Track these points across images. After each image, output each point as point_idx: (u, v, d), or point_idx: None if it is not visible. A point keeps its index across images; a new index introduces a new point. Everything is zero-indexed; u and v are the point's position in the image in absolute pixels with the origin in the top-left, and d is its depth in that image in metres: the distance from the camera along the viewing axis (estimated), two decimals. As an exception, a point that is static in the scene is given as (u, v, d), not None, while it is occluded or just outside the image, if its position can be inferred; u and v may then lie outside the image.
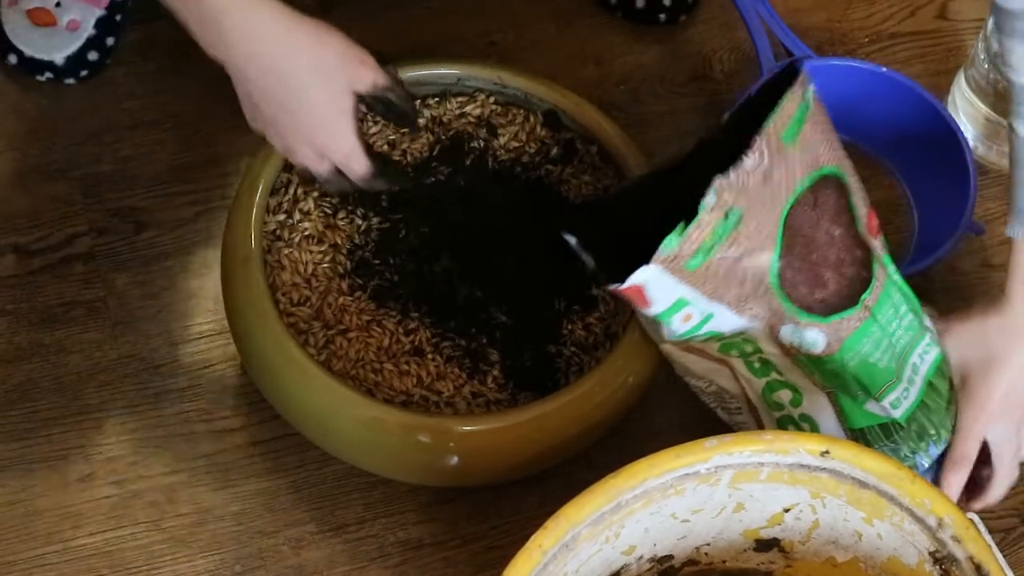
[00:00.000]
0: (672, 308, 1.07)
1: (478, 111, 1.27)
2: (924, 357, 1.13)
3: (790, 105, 1.04)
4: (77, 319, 1.27)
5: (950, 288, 1.33)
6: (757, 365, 1.13)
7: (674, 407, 1.27)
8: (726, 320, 1.08)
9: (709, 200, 1.02)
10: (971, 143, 1.36)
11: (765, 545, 1.09)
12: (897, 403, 1.12)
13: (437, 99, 1.27)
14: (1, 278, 1.28)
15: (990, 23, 1.33)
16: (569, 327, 1.20)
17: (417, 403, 1.15)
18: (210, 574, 1.18)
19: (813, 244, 1.09)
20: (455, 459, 1.12)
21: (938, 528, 0.99)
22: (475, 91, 1.27)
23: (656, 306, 1.06)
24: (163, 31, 1.40)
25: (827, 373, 1.11)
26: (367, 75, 1.11)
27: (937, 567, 1.01)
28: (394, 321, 1.18)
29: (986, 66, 1.33)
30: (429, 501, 1.21)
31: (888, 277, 1.11)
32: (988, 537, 0.99)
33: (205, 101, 1.37)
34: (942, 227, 1.29)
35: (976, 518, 1.01)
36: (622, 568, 1.07)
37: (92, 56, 1.36)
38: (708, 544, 1.09)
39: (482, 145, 1.25)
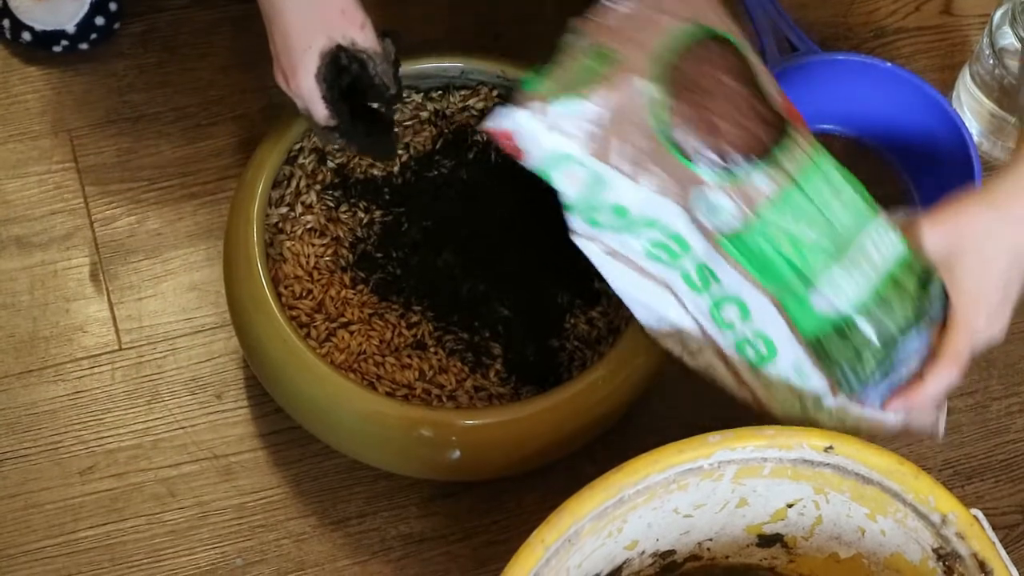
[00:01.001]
0: (553, 162, 1.03)
1: (481, 104, 1.26)
2: (879, 245, 1.04)
3: None
4: (78, 311, 1.27)
5: (954, 284, 1.33)
6: (696, 279, 1.07)
7: (677, 402, 1.26)
8: (624, 190, 1.04)
9: (568, 38, 1.03)
10: (976, 139, 1.35)
11: (768, 541, 1.09)
12: (839, 289, 1.03)
13: (440, 92, 1.27)
14: (3, 271, 1.28)
15: (995, 18, 1.33)
16: (572, 321, 1.19)
17: (419, 397, 1.15)
18: (211, 568, 1.18)
19: (701, 90, 1.05)
20: (457, 453, 1.11)
21: (942, 525, 0.99)
22: (478, 84, 1.26)
23: (535, 157, 1.03)
24: (165, 23, 1.40)
25: (756, 260, 1.04)
26: (343, 27, 1.12)
27: (940, 564, 1.01)
28: (396, 314, 1.18)
29: (991, 62, 1.33)
30: (431, 495, 1.21)
31: (820, 155, 1.05)
32: (992, 534, 0.99)
33: (207, 93, 1.37)
34: (946, 223, 1.28)
35: (980, 515, 1.00)
36: (624, 563, 1.07)
37: (99, 21, 1.36)
38: (711, 539, 1.09)
39: (485, 138, 1.25)
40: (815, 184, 1.04)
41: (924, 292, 1.04)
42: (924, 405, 1.06)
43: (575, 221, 1.06)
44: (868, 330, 1.03)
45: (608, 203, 1.05)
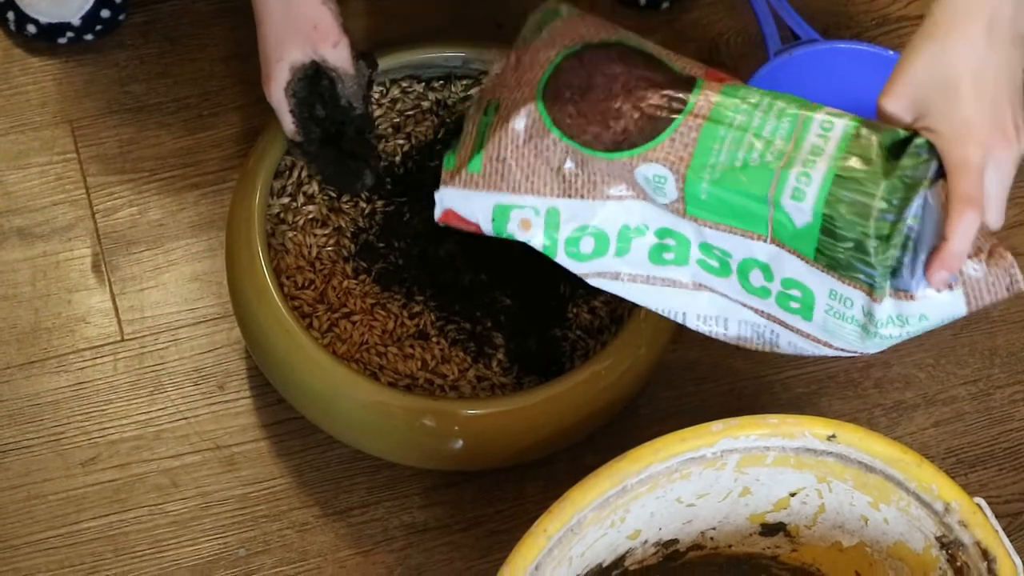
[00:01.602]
0: (498, 217, 1.06)
1: (483, 94, 1.26)
2: (828, 134, 1.01)
3: (532, 19, 1.12)
4: (81, 302, 1.27)
5: (957, 272, 1.33)
6: (712, 262, 1.06)
7: (680, 391, 1.26)
8: (578, 210, 1.05)
9: (470, 112, 1.08)
10: (978, 127, 1.35)
11: (771, 529, 1.09)
12: (801, 192, 1.00)
13: (442, 82, 1.26)
14: (5, 262, 1.28)
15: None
16: (574, 311, 1.19)
17: (421, 387, 1.15)
18: (214, 558, 1.18)
19: (587, 88, 1.06)
20: (460, 443, 1.11)
21: (945, 513, 0.99)
22: (480, 74, 1.26)
23: (484, 222, 1.07)
24: (166, 14, 1.40)
25: (724, 210, 1.02)
26: (315, 42, 1.14)
27: (944, 552, 1.00)
28: (398, 304, 1.18)
29: (994, 49, 1.32)
30: (434, 485, 1.21)
31: (738, 86, 1.04)
32: (995, 522, 0.99)
33: (208, 84, 1.37)
34: (949, 211, 1.28)
35: (983, 503, 1.00)
36: (627, 552, 1.07)
37: (105, 14, 1.36)
38: (714, 528, 1.09)
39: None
40: (733, 110, 1.02)
41: (905, 159, 0.99)
42: (956, 261, 0.98)
43: (567, 264, 1.07)
44: (844, 213, 0.99)
45: (575, 230, 1.06)
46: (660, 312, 1.09)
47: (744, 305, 1.07)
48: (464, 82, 1.27)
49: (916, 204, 0.98)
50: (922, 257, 0.98)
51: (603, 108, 1.05)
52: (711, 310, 1.08)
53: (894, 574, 1.06)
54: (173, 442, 1.22)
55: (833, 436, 0.99)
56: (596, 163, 1.04)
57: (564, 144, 1.05)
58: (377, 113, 1.24)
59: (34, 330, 1.26)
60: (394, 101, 1.25)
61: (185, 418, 1.23)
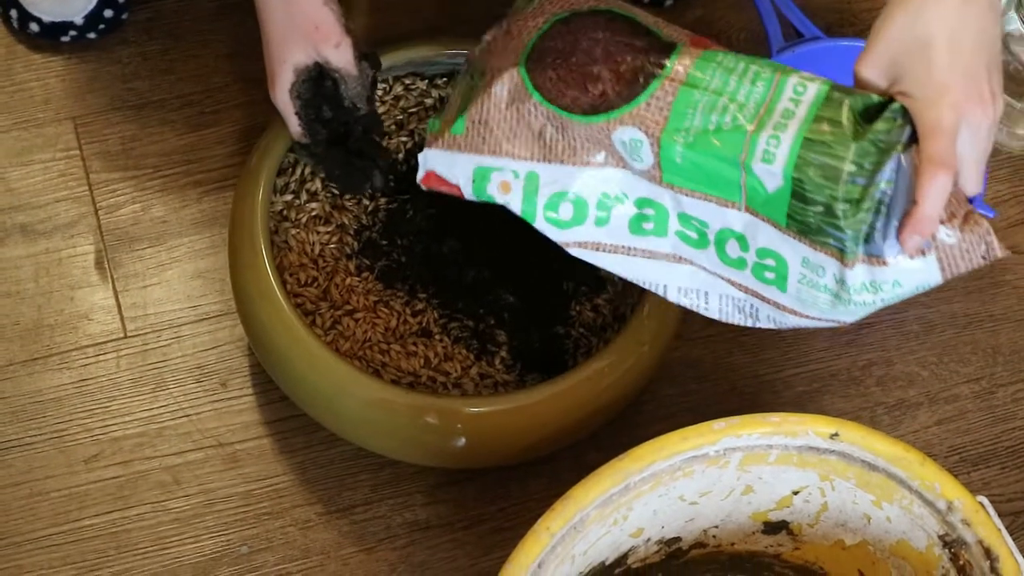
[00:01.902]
0: (478, 179, 1.07)
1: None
2: (800, 96, 1.00)
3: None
4: (83, 299, 1.27)
5: (960, 270, 1.33)
6: (690, 233, 1.05)
7: (682, 389, 1.26)
8: (558, 175, 1.05)
9: (457, 78, 1.10)
10: (982, 124, 1.35)
11: (773, 528, 1.09)
12: (771, 155, 0.98)
13: (445, 79, 1.26)
14: (8, 258, 1.28)
15: (1001, 3, 1.32)
16: (577, 308, 1.19)
17: (424, 384, 1.15)
18: (217, 555, 1.18)
19: (569, 52, 1.06)
20: (462, 440, 1.11)
21: (948, 512, 0.99)
22: (483, 71, 1.26)
23: (464, 184, 1.08)
24: (169, 11, 1.40)
25: (692, 172, 1.01)
26: (316, 43, 1.14)
27: (946, 550, 1.00)
28: (401, 302, 1.18)
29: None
30: (436, 483, 1.21)
31: (708, 50, 1.04)
32: (998, 520, 0.99)
33: (211, 81, 1.37)
34: (952, 209, 1.28)
35: (986, 502, 1.00)
36: (630, 550, 1.07)
37: (108, 13, 1.36)
38: (716, 527, 1.09)
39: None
40: (708, 74, 1.02)
41: (879, 123, 0.97)
42: (928, 225, 0.96)
43: (546, 230, 1.07)
44: (814, 176, 0.98)
45: (553, 195, 1.06)
46: (640, 283, 1.08)
47: (723, 278, 1.06)
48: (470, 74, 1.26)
49: (889, 168, 0.97)
50: (895, 222, 0.97)
51: (582, 72, 1.05)
52: (691, 283, 1.07)
53: (897, 573, 1.06)
54: (176, 439, 1.22)
55: (836, 435, 0.99)
56: (575, 127, 1.04)
57: (544, 108, 1.05)
58: (380, 110, 1.24)
59: (37, 327, 1.26)
60: (397, 98, 1.25)
61: (188, 415, 1.23)
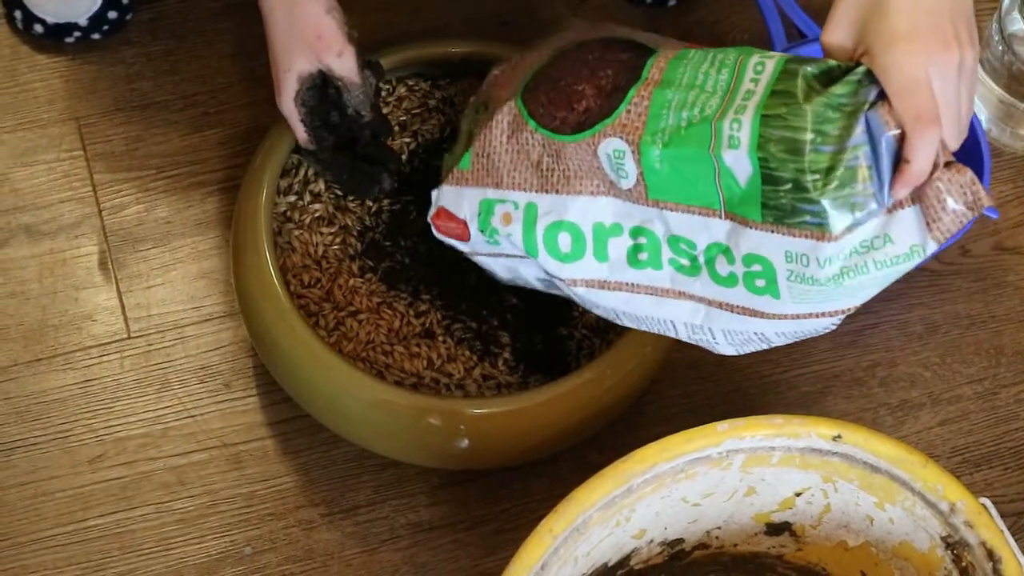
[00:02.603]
0: (483, 212, 1.07)
1: (489, 92, 1.26)
2: (760, 75, 0.98)
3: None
4: (87, 300, 1.27)
5: (963, 271, 1.33)
6: (683, 261, 1.04)
7: (685, 391, 1.26)
8: (553, 204, 1.05)
9: (464, 113, 1.11)
10: (984, 125, 1.35)
11: (776, 529, 1.09)
12: (735, 141, 0.97)
13: (448, 80, 1.27)
14: (12, 259, 1.28)
15: (1004, 3, 1.32)
16: (580, 309, 1.19)
17: (427, 385, 1.15)
18: (220, 556, 1.18)
19: (561, 74, 1.06)
20: (465, 442, 1.12)
21: (950, 513, 0.99)
22: (486, 72, 1.26)
23: (471, 220, 1.08)
24: (173, 12, 1.40)
25: (672, 179, 1.01)
26: (319, 52, 1.15)
27: (949, 552, 1.00)
28: (404, 303, 1.18)
29: (1000, 48, 1.32)
30: (439, 483, 1.21)
31: (682, 49, 1.04)
32: (1000, 522, 0.99)
33: (215, 81, 1.37)
34: (955, 210, 1.28)
35: (988, 503, 1.00)
36: (633, 552, 1.07)
37: (112, 15, 1.37)
38: (719, 528, 1.09)
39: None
40: (681, 71, 1.01)
41: (839, 87, 0.95)
42: (921, 179, 0.94)
43: (549, 265, 1.07)
44: (776, 152, 0.96)
45: (550, 225, 1.06)
46: (651, 327, 1.08)
47: (723, 307, 1.04)
48: (470, 80, 1.27)
49: (859, 131, 0.95)
50: (887, 180, 0.95)
51: (569, 92, 1.05)
52: (695, 318, 1.05)
53: (899, 574, 1.06)
54: (180, 440, 1.22)
55: (839, 436, 0.99)
56: (566, 151, 1.04)
57: (540, 136, 1.05)
58: (385, 111, 1.24)
59: (41, 327, 1.26)
60: (400, 99, 1.26)
61: (192, 416, 1.23)
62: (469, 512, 1.21)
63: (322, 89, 1.15)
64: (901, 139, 0.94)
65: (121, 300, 1.27)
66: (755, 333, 1.04)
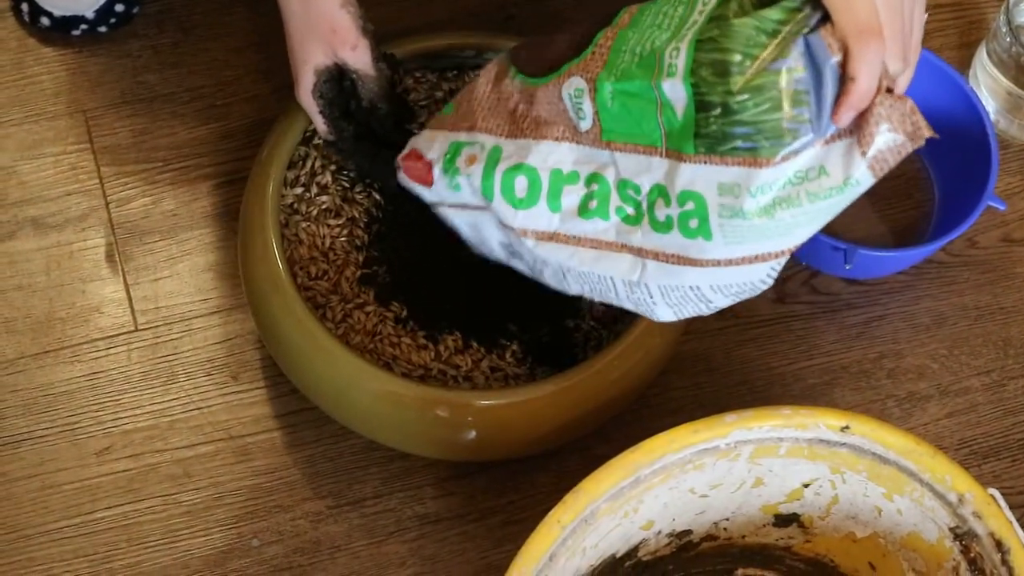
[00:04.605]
0: (451, 152, 1.07)
1: (496, 84, 1.26)
2: (707, 6, 0.95)
3: None
4: (94, 292, 1.27)
5: (971, 263, 1.33)
6: (629, 210, 1.02)
7: (692, 381, 1.26)
8: (518, 148, 1.05)
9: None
10: (992, 117, 1.35)
11: (784, 520, 1.09)
12: (673, 68, 0.96)
13: (455, 72, 1.26)
14: (19, 252, 1.28)
15: (1012, -4, 1.32)
16: (588, 301, 1.19)
17: (435, 377, 1.15)
18: (227, 548, 1.18)
19: (548, 33, 1.07)
20: (473, 433, 1.12)
21: (959, 504, 0.99)
22: (493, 64, 1.26)
23: (437, 160, 1.08)
24: (180, 4, 1.40)
25: (621, 116, 1.00)
26: (334, 46, 1.14)
27: (957, 543, 1.00)
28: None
29: (1008, 39, 1.32)
30: (447, 475, 1.21)
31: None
32: (1009, 513, 0.99)
33: (222, 74, 1.37)
34: (963, 202, 1.28)
35: (997, 494, 1.00)
36: (640, 543, 1.07)
37: (119, 8, 1.37)
38: (727, 519, 1.09)
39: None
40: (646, 15, 0.99)
41: (773, 12, 0.92)
42: (866, 98, 0.90)
43: (503, 212, 1.06)
44: (707, 76, 0.94)
45: (510, 167, 1.05)
46: (595, 290, 1.05)
47: (658, 257, 1.01)
48: (476, 72, 1.26)
49: (794, 54, 0.91)
50: (827, 108, 0.91)
51: (550, 41, 1.06)
52: (633, 274, 1.02)
53: (907, 565, 1.06)
54: (187, 432, 1.22)
55: (847, 427, 0.99)
56: (538, 96, 1.04)
57: (517, 82, 1.06)
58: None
59: (48, 320, 1.26)
60: (407, 91, 1.25)
61: (199, 408, 1.23)
62: (476, 504, 1.21)
63: (339, 81, 1.15)
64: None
65: (128, 293, 1.27)
66: (691, 288, 1.00)
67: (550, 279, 1.08)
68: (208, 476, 1.21)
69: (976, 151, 1.29)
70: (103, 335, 1.26)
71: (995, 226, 1.35)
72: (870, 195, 1.35)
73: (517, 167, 1.05)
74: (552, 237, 1.05)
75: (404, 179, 1.12)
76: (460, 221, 1.11)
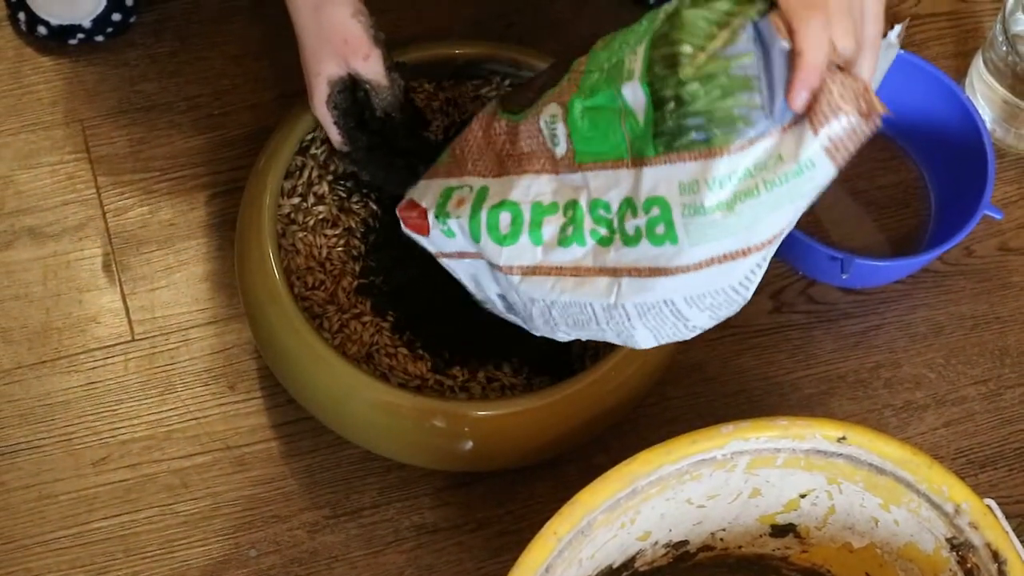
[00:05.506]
0: (443, 198, 1.08)
1: (493, 93, 1.26)
2: (668, 10, 0.95)
3: None
4: (91, 302, 1.27)
5: (967, 272, 1.33)
6: (602, 230, 1.01)
7: (689, 392, 1.26)
8: (502, 186, 1.05)
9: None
10: (989, 126, 1.35)
11: (781, 531, 1.09)
12: (631, 72, 0.96)
13: (452, 81, 1.26)
14: (16, 261, 1.28)
15: (1009, 4, 1.32)
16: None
17: (432, 387, 1.15)
18: (224, 558, 1.18)
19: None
20: (470, 444, 1.12)
21: (955, 514, 0.99)
22: (490, 73, 1.26)
23: (430, 206, 1.09)
24: (177, 13, 1.40)
25: (591, 134, 0.99)
26: (346, 56, 1.14)
27: (954, 553, 1.00)
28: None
29: (1004, 48, 1.32)
30: (444, 486, 1.21)
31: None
32: (1005, 523, 0.99)
33: (219, 83, 1.37)
34: (959, 210, 1.28)
35: (993, 504, 1.00)
36: (637, 553, 1.07)
37: (116, 17, 1.37)
38: (724, 529, 1.09)
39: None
40: (620, 35, 0.99)
41: (720, 3, 0.92)
42: (815, 73, 0.88)
43: (489, 251, 1.06)
44: (659, 72, 0.93)
45: (495, 205, 1.05)
46: (578, 322, 1.05)
47: (630, 272, 0.99)
48: (475, 82, 1.27)
49: (742, 39, 0.90)
50: (779, 92, 0.90)
51: (533, 78, 1.07)
52: (610, 296, 1.01)
53: (904, 575, 1.06)
54: (184, 442, 1.22)
55: (843, 438, 0.99)
56: (520, 130, 1.05)
57: (503, 121, 1.06)
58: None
59: (45, 330, 1.26)
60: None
61: (196, 418, 1.23)
62: (473, 514, 1.21)
63: (353, 92, 1.15)
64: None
65: (125, 302, 1.27)
66: (665, 303, 0.99)
67: (539, 321, 1.08)
68: (205, 486, 1.21)
69: (973, 160, 1.29)
70: (100, 345, 1.26)
71: (992, 235, 1.35)
72: (867, 204, 1.36)
73: (500, 204, 1.05)
74: (535, 270, 1.05)
75: (405, 231, 1.12)
76: (462, 272, 1.11)
